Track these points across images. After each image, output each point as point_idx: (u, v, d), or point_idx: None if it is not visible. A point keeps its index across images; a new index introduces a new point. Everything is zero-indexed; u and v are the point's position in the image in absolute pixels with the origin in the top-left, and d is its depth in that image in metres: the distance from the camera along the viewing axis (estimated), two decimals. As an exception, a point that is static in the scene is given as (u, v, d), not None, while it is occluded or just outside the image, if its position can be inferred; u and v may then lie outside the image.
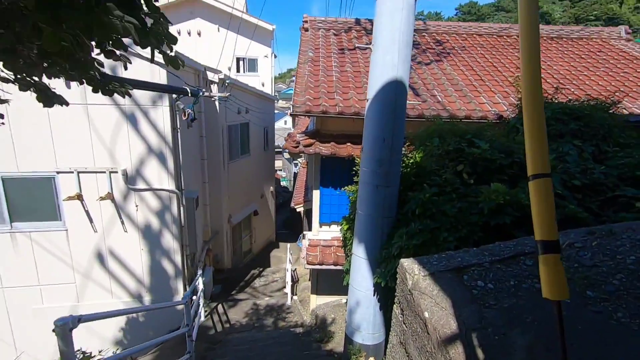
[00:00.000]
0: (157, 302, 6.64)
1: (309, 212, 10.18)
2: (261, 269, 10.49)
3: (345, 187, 4.29)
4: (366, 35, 7.93)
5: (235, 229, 11.72)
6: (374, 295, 3.26)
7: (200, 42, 15.75)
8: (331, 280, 6.34)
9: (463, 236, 2.66)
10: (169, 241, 6.44)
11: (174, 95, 5.95)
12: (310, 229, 7.58)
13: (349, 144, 5.50)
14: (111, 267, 6.33)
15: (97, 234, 6.15)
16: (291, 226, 19.87)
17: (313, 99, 5.47)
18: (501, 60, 7.45)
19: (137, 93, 5.72)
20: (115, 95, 2.30)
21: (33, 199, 5.87)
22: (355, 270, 3.30)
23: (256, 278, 9.84)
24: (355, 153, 5.27)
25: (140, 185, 6.10)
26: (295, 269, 12.18)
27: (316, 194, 6.03)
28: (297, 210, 8.54)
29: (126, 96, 2.42)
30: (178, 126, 6.17)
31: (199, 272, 6.61)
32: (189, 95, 5.81)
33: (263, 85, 16.51)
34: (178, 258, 6.55)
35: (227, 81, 8.98)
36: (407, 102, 3.19)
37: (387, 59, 2.87)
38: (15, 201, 5.79)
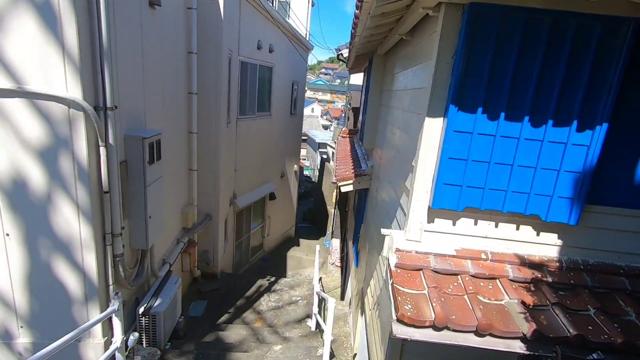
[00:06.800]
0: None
1: (358, 198, 6.17)
2: (273, 279, 6.90)
3: None
4: None
5: (242, 216, 8.25)
6: None
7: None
8: (440, 355, 2.57)
9: None
10: (69, 221, 2.86)
11: None
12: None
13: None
14: (-60, 268, 2.84)
15: None
16: (313, 220, 16.43)
17: None
18: None
19: None
20: None
21: None
22: None
23: (265, 294, 6.23)
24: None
25: (-3, 80, 2.54)
26: (321, 279, 8.57)
27: (432, 129, 2.16)
28: (343, 190, 4.82)
29: None
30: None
31: (113, 299, 2.86)
32: None
33: (295, 36, 12.86)
34: (90, 258, 2.97)
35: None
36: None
37: None
38: None
